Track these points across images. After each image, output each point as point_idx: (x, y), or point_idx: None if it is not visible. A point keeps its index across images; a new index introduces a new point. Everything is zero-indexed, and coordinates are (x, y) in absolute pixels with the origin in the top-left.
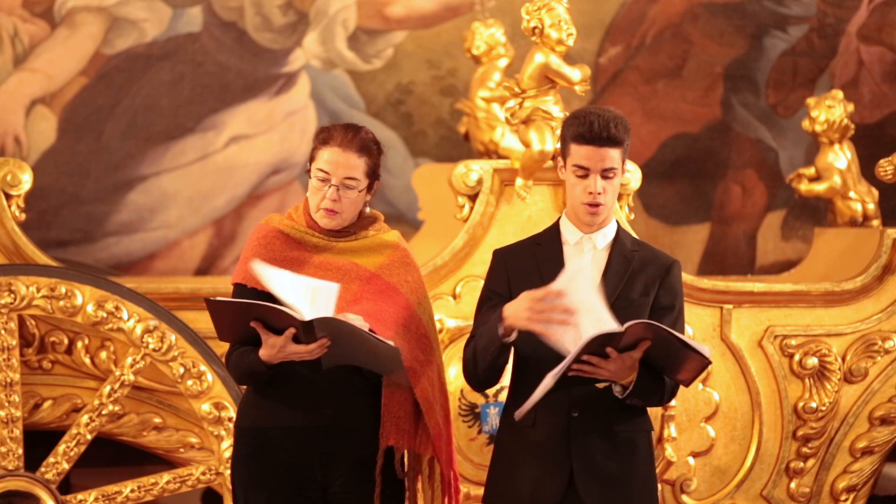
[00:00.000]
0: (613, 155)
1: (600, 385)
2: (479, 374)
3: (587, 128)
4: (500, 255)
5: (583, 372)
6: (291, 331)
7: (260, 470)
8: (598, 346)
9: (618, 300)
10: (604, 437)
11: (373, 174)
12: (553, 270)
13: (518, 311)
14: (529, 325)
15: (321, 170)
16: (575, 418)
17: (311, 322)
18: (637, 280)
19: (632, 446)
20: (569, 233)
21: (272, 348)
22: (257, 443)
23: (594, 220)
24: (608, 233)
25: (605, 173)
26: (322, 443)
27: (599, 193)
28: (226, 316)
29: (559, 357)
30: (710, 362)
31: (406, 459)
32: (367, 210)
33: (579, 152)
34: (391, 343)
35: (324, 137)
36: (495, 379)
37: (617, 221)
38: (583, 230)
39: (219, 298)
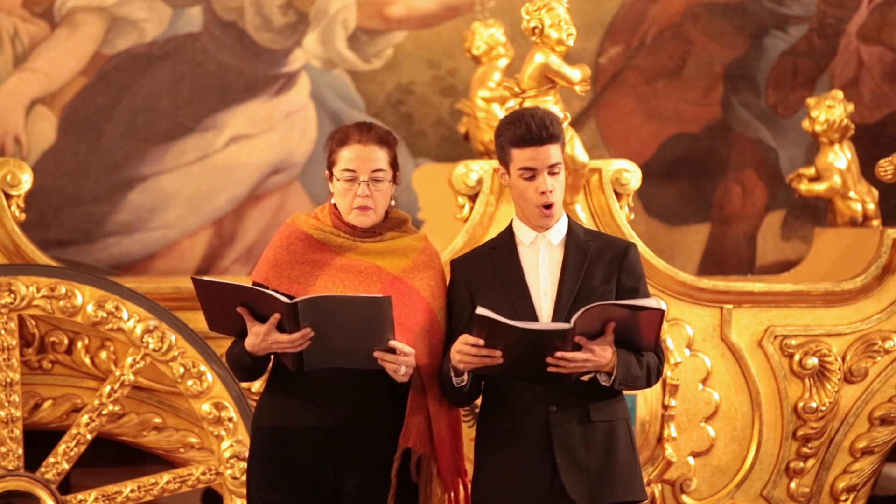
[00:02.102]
0: (555, 151)
1: (585, 378)
2: (450, 400)
3: (525, 130)
4: (457, 266)
5: (563, 369)
6: (276, 317)
7: (274, 469)
8: (552, 341)
9: (580, 291)
10: (583, 429)
11: (395, 164)
12: (511, 272)
13: (452, 353)
14: (460, 367)
15: (347, 169)
16: (553, 412)
17: (295, 304)
18: (596, 268)
19: (611, 435)
20: (523, 234)
21: (256, 336)
22: (273, 442)
23: (549, 222)
24: (561, 228)
25: (552, 169)
26: (336, 443)
27: (550, 192)
28: (211, 298)
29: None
30: (663, 310)
31: (421, 463)
32: (393, 203)
33: (523, 155)
34: (378, 295)
35: (340, 138)
36: (466, 402)
37: (567, 214)
38: (536, 230)
39: (204, 277)
